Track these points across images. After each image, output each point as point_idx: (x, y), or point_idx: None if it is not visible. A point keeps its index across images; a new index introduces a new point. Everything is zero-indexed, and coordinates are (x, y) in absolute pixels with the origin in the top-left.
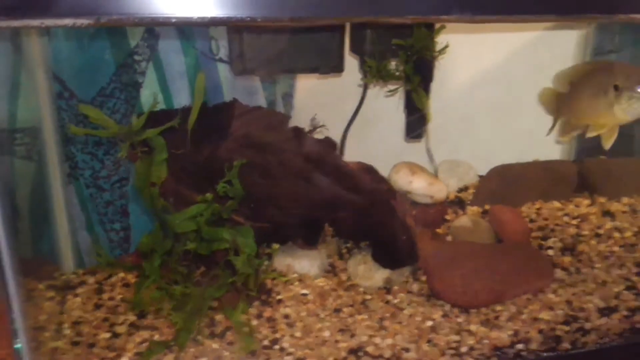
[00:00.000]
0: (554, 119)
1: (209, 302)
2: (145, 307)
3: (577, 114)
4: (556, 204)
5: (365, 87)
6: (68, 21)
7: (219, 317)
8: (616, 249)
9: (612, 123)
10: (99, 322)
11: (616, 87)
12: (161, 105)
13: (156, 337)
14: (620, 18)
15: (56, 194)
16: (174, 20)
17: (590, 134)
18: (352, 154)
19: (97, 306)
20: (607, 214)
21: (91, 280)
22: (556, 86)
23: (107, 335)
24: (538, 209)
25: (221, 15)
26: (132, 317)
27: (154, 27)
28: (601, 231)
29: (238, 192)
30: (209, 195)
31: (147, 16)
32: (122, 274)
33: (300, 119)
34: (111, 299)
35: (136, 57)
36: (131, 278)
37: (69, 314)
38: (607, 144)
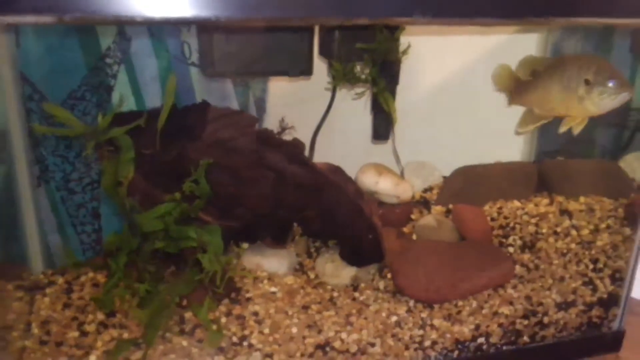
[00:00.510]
0: (509, 99)
1: (175, 299)
2: (111, 306)
3: (543, 105)
4: (517, 203)
5: (334, 90)
6: (30, 18)
7: (188, 314)
8: (573, 246)
9: (583, 116)
10: (68, 322)
11: (587, 81)
12: (133, 108)
13: (125, 335)
14: (578, 21)
15: (25, 196)
16: (139, 19)
17: (563, 128)
18: (320, 155)
19: (66, 306)
20: (565, 212)
21: (60, 280)
22: (518, 71)
23: (76, 334)
24: (499, 208)
25: (187, 15)
26: (101, 316)
27: (126, 30)
28: (559, 229)
29: (205, 191)
30: (176, 195)
31: (112, 15)
32: (91, 274)
33: (273, 121)
34: (80, 298)
35: (108, 60)
36: (101, 278)
37: (38, 313)
38: (577, 130)
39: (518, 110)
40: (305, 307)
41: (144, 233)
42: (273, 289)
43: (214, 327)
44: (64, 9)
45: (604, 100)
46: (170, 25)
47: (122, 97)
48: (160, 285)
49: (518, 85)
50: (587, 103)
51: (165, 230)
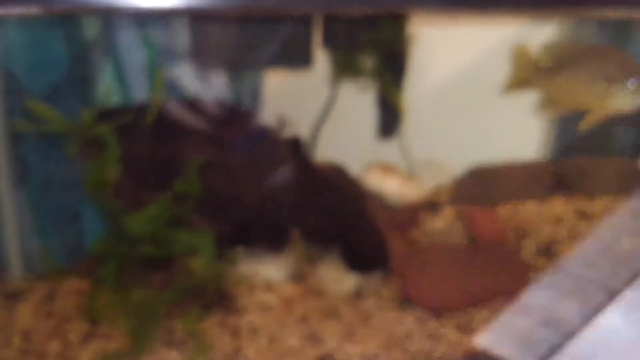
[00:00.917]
0: (515, 80)
1: (163, 308)
2: (99, 315)
3: (567, 96)
4: (532, 204)
5: (337, 83)
6: (18, 9)
7: (177, 324)
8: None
9: (603, 113)
10: (51, 331)
11: (608, 77)
12: (119, 102)
13: (110, 346)
14: (593, 13)
15: (5, 197)
16: (131, 10)
17: (584, 126)
18: (323, 152)
19: (49, 314)
20: (583, 214)
21: (42, 287)
22: (540, 57)
23: (59, 344)
24: (513, 209)
25: (185, 5)
26: (85, 326)
27: (112, 21)
28: (576, 232)
29: (197, 191)
30: (167, 195)
31: (105, 5)
32: (75, 280)
33: (268, 116)
34: (63, 306)
35: (93, 51)
36: (85, 285)
37: (18, 322)
38: (585, 126)
39: (533, 105)
40: (305, 317)
41: (131, 237)
42: (270, 297)
43: (199, 338)
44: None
45: (625, 99)
46: (163, 15)
47: (110, 90)
48: (148, 292)
49: (537, 71)
50: (607, 100)
51: (152, 234)
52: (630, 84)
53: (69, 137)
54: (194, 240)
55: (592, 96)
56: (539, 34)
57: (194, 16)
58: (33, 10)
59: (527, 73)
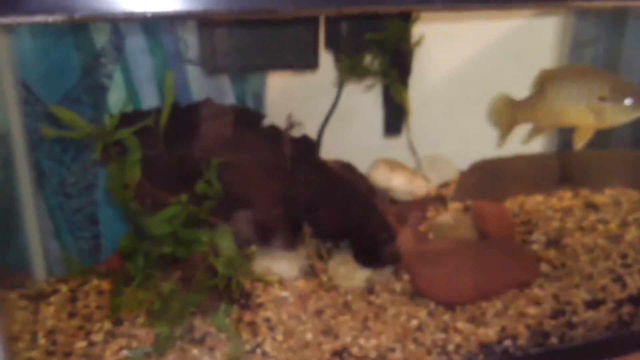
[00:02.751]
0: (504, 129)
1: (191, 307)
2: (126, 311)
3: (551, 117)
4: (539, 197)
5: (341, 84)
6: (40, 18)
7: (197, 322)
8: (600, 241)
9: (592, 128)
10: (74, 331)
11: (602, 98)
12: (129, 108)
13: (134, 344)
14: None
15: (26, 201)
16: (149, 14)
17: (578, 145)
18: (329, 152)
19: (72, 314)
20: (591, 206)
21: (64, 288)
22: (535, 86)
23: (83, 343)
24: (521, 203)
25: (198, 9)
26: (108, 325)
27: (121, 29)
28: (585, 224)
29: (217, 191)
30: (183, 197)
31: (122, 12)
32: (95, 282)
33: (272, 117)
34: (86, 306)
35: (103, 60)
36: (105, 285)
37: (43, 323)
38: (580, 144)
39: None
40: (319, 312)
41: (151, 237)
42: (284, 294)
43: (232, 333)
44: (75, 8)
45: (617, 116)
46: (173, 20)
47: (127, 97)
48: (177, 288)
49: (516, 107)
50: (599, 117)
51: (173, 233)
52: (628, 103)
53: (93, 141)
54: (216, 238)
55: (582, 114)
56: (541, 28)
57: (201, 21)
58: (54, 19)
59: (511, 117)
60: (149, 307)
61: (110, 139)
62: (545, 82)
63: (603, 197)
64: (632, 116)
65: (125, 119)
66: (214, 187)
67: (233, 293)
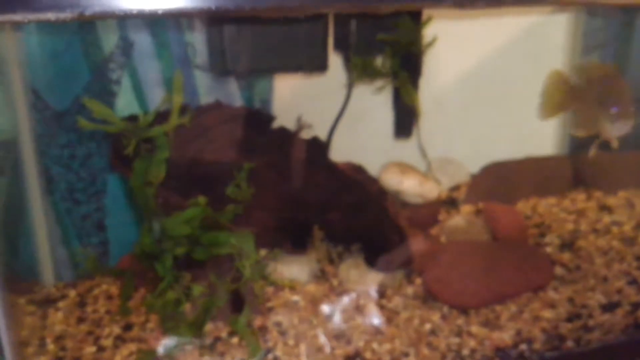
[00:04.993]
0: (556, 108)
1: (213, 311)
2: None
3: (590, 118)
4: (552, 200)
5: (351, 85)
6: (51, 15)
7: (208, 327)
8: (615, 243)
9: (605, 137)
10: (83, 336)
11: (603, 105)
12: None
13: (143, 348)
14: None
15: (35, 207)
16: (160, 12)
17: (592, 152)
18: (340, 154)
19: (80, 320)
20: (604, 208)
21: (72, 293)
22: (572, 75)
23: (93, 349)
24: (534, 205)
25: (205, 6)
26: (117, 330)
27: (129, 34)
28: (599, 226)
29: (246, 195)
30: (202, 199)
31: (132, 9)
32: (105, 286)
33: (280, 120)
34: (95, 311)
35: (111, 65)
36: (114, 290)
37: (52, 328)
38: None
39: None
40: (331, 317)
41: (170, 237)
42: (295, 298)
43: (254, 338)
44: (85, 5)
45: (611, 127)
46: (182, 17)
47: (136, 102)
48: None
49: (571, 90)
50: (602, 126)
51: (190, 235)
52: (613, 112)
53: (126, 137)
54: (238, 242)
55: (596, 120)
56: (552, 28)
57: (208, 22)
58: (64, 16)
59: (562, 97)
60: (165, 311)
61: (143, 136)
62: (590, 75)
63: (616, 199)
64: (619, 130)
65: (159, 117)
66: (243, 192)
67: (257, 298)
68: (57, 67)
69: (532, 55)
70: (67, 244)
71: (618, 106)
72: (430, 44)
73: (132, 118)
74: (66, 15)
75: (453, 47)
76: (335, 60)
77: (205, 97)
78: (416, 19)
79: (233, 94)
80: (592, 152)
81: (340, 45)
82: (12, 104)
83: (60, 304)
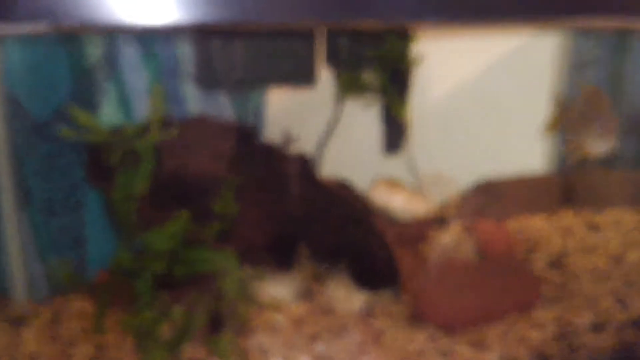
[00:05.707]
0: (555, 124)
1: (193, 332)
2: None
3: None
4: (540, 217)
5: (341, 100)
6: (27, 26)
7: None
8: (602, 261)
9: (588, 155)
10: (57, 355)
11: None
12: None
13: None
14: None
15: (9, 221)
16: (139, 27)
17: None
18: (328, 169)
19: (53, 338)
20: (592, 226)
21: (46, 310)
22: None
23: None
24: (522, 223)
25: (191, 20)
26: (91, 349)
27: (114, 43)
28: (586, 244)
29: (233, 211)
30: (184, 213)
31: (113, 22)
32: (79, 304)
33: (273, 133)
34: (68, 329)
35: (95, 75)
36: (89, 307)
37: (24, 347)
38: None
39: (536, 118)
40: (315, 337)
41: (151, 253)
42: (279, 318)
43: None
44: (61, 17)
45: (595, 145)
46: (167, 32)
47: (121, 112)
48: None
49: (569, 116)
50: (586, 143)
51: (172, 251)
52: (596, 129)
53: (112, 148)
54: (219, 259)
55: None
56: (541, 47)
57: (197, 35)
58: (41, 27)
59: (563, 117)
60: (141, 330)
61: (128, 147)
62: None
63: (604, 218)
64: (598, 149)
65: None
66: (229, 207)
67: (239, 317)
68: (39, 76)
69: (520, 73)
70: (42, 259)
71: (601, 124)
72: (418, 59)
73: (117, 129)
74: (42, 27)
75: (443, 63)
76: (327, 75)
77: (195, 109)
78: (404, 36)
79: (224, 106)
80: (573, 163)
81: (332, 60)
82: None
83: (34, 322)
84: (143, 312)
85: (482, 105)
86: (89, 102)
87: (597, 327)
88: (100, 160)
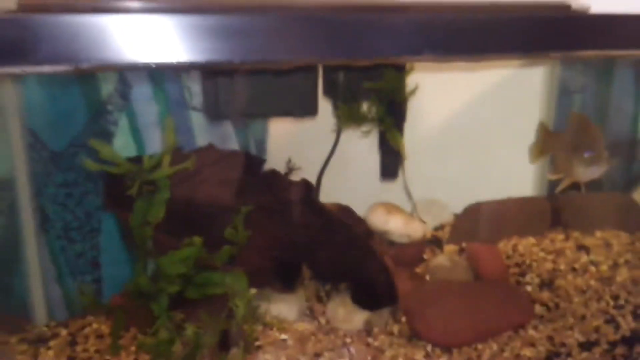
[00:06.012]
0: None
1: (203, 351)
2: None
3: (566, 164)
4: (531, 239)
5: (339, 129)
6: (47, 68)
7: None
8: (593, 282)
9: (574, 180)
10: None
11: (577, 149)
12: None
13: None
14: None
15: (30, 246)
16: (153, 65)
17: (560, 188)
18: (328, 195)
19: (71, 358)
20: (582, 248)
21: (64, 332)
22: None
23: None
24: (514, 245)
25: (199, 60)
26: None
27: (126, 77)
28: (577, 265)
29: (243, 238)
30: (197, 239)
31: (127, 62)
32: (95, 325)
33: (274, 163)
34: (85, 350)
35: (109, 107)
36: (105, 329)
37: None
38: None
39: (526, 145)
40: (318, 355)
41: (165, 277)
42: (283, 336)
43: None
44: (82, 59)
45: (584, 171)
46: (182, 70)
47: (133, 143)
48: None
49: (553, 142)
50: (574, 170)
51: (184, 275)
52: (586, 156)
53: (131, 178)
54: (230, 282)
55: (569, 165)
56: (529, 77)
57: (204, 71)
58: (60, 69)
59: (546, 144)
60: (157, 350)
61: (146, 178)
62: (569, 125)
63: (594, 240)
64: (591, 173)
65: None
66: (239, 233)
67: (247, 336)
68: (56, 109)
69: (510, 103)
70: (61, 282)
71: (591, 151)
72: (413, 91)
73: (135, 159)
74: (62, 68)
75: (437, 95)
76: (326, 106)
77: (201, 139)
78: (400, 69)
79: (229, 136)
80: (560, 189)
81: (329, 91)
82: (9, 145)
83: (52, 343)
84: (159, 333)
85: (474, 134)
86: (104, 133)
87: (588, 346)
88: (117, 189)
